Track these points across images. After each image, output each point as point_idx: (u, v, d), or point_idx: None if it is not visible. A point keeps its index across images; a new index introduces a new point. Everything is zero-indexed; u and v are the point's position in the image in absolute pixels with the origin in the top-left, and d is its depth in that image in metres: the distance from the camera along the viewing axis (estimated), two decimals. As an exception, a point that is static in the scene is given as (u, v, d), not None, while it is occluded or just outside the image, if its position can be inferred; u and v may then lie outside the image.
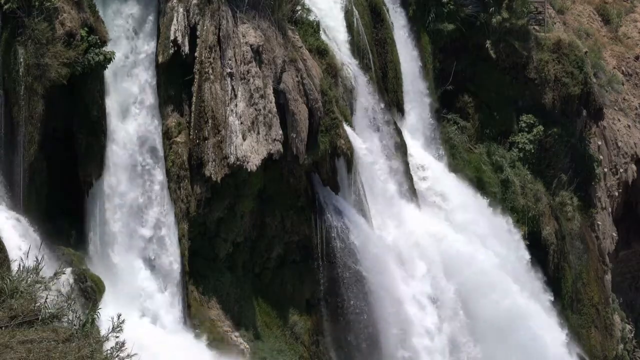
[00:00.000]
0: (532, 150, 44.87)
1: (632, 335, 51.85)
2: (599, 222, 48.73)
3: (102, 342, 12.73)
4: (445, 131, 43.11)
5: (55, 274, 13.42)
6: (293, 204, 33.58)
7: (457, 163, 42.45)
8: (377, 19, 39.49)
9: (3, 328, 12.79)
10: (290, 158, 32.13)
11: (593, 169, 47.87)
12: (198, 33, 30.26)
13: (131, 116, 29.40)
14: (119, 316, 12.80)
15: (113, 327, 12.49)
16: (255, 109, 30.89)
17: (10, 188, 26.38)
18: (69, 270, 25.80)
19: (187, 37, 30.01)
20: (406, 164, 38.63)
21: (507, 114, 45.23)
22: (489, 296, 38.73)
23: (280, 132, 31.29)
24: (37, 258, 14.02)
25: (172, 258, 29.68)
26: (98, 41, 27.28)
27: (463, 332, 37.34)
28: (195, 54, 30.23)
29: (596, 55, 50.48)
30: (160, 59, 29.57)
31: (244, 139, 30.48)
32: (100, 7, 28.54)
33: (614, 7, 57.04)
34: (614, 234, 50.40)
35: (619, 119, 52.22)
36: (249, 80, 30.96)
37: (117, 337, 12.66)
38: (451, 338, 36.93)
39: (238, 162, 30.20)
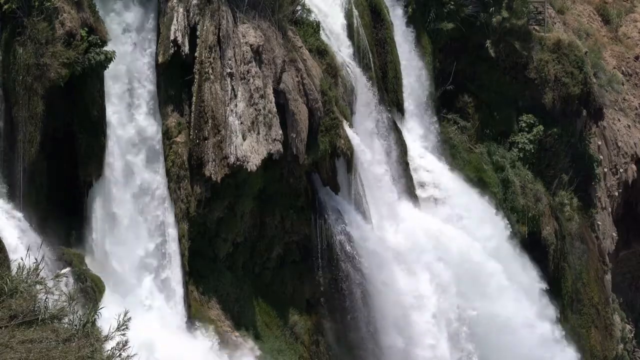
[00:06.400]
0: (532, 150, 44.87)
1: (632, 335, 51.87)
2: (599, 222, 48.73)
3: (103, 341, 12.72)
4: (445, 131, 43.10)
5: (56, 276, 13.41)
6: (293, 204, 33.57)
7: (457, 163, 42.45)
8: (377, 19, 39.47)
9: (3, 328, 12.77)
10: (290, 158, 32.12)
11: (593, 169, 47.87)
12: (198, 33, 30.25)
13: None
14: (125, 314, 12.75)
15: (119, 326, 12.46)
16: (255, 109, 30.88)
17: (10, 188, 26.38)
18: (69, 270, 25.80)
19: (187, 37, 30.00)
20: (406, 164, 38.63)
21: (507, 114, 45.22)
22: (487, 293, 38.74)
23: (280, 132, 31.28)
24: (36, 259, 13.99)
25: (172, 258, 29.66)
26: (98, 41, 27.26)
27: (463, 330, 37.32)
28: (195, 54, 30.21)
29: (596, 55, 50.47)
30: (160, 59, 29.55)
31: (244, 139, 30.48)
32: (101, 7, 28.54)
33: (614, 7, 57.05)
34: (614, 234, 50.40)
35: (619, 119, 52.22)
36: (249, 80, 30.95)
37: (123, 334, 12.62)
38: (451, 335, 36.93)
39: (238, 162, 30.19)
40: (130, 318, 12.60)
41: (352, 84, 36.35)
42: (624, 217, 52.31)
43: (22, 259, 14.14)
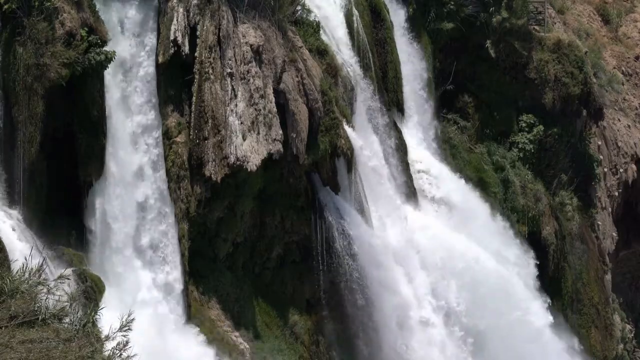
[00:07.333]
0: (532, 150, 44.87)
1: (632, 335, 51.86)
2: (599, 222, 48.73)
3: (103, 341, 12.71)
4: (445, 131, 43.09)
5: (59, 277, 13.41)
6: (293, 204, 33.57)
7: (457, 163, 42.44)
8: (377, 19, 39.47)
9: (3, 328, 12.77)
10: (290, 158, 32.12)
11: (593, 169, 47.87)
12: (198, 33, 30.24)
13: None
14: (129, 315, 12.75)
15: (121, 326, 12.45)
16: (255, 109, 30.87)
17: (10, 188, 26.38)
18: (69, 270, 25.80)
19: (187, 37, 29.99)
20: (406, 164, 38.62)
21: (507, 114, 45.23)
22: (487, 291, 38.72)
23: (280, 132, 31.28)
24: (44, 258, 13.97)
25: (172, 258, 29.65)
26: (98, 41, 27.26)
27: (462, 328, 37.31)
28: (195, 54, 30.21)
29: (596, 55, 50.46)
30: (160, 59, 29.54)
31: (244, 139, 30.47)
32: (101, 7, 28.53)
33: (614, 7, 57.04)
34: (614, 234, 50.40)
35: (619, 119, 52.22)
36: (249, 80, 30.94)
37: (125, 335, 12.63)
38: (451, 335, 36.92)
39: (238, 162, 30.19)
40: (133, 319, 12.60)
41: (352, 84, 36.35)
42: (624, 217, 52.31)
43: (25, 259, 14.14)
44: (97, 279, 27.00)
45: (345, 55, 36.95)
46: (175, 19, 29.74)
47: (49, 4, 26.26)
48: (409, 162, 39.01)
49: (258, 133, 30.83)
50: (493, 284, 38.96)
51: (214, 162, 30.09)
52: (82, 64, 26.79)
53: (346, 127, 34.56)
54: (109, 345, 12.82)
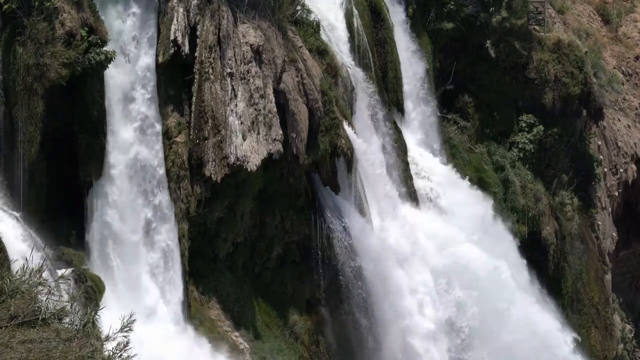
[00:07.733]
0: (532, 150, 44.88)
1: (632, 335, 51.87)
2: (599, 222, 48.74)
3: (104, 341, 12.71)
4: (445, 131, 43.10)
5: (60, 278, 13.42)
6: (293, 204, 33.57)
7: (457, 163, 42.44)
8: (377, 19, 39.48)
9: (3, 328, 12.77)
10: (290, 158, 32.12)
11: (593, 169, 47.88)
12: (198, 33, 30.24)
13: None
14: (130, 315, 12.76)
15: (122, 327, 12.46)
16: (255, 109, 30.88)
17: (10, 188, 26.38)
18: (69, 270, 25.81)
19: (187, 37, 29.99)
20: (406, 164, 38.62)
21: (507, 114, 45.24)
22: (488, 292, 38.68)
23: (280, 132, 31.28)
24: (45, 258, 13.97)
25: (172, 258, 29.65)
26: (98, 41, 27.26)
27: (463, 330, 37.30)
28: (195, 54, 30.21)
29: (596, 55, 50.47)
30: (160, 59, 29.54)
31: (244, 139, 30.47)
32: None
33: (614, 7, 57.04)
34: (614, 234, 50.40)
35: (619, 119, 52.23)
36: (249, 80, 30.95)
37: (126, 336, 12.63)
38: (451, 336, 36.92)
39: (238, 162, 30.19)
40: (135, 320, 12.61)
41: (352, 84, 36.35)
42: (624, 217, 52.32)
43: (27, 260, 14.14)
44: (97, 279, 27.02)
45: (345, 55, 36.95)
46: (175, 19, 29.74)
47: (49, 4, 26.26)
48: (409, 161, 39.02)
49: (258, 133, 30.84)
50: (493, 282, 38.81)
51: (214, 162, 30.09)
52: (82, 64, 26.80)
53: (346, 127, 34.57)
54: (109, 346, 12.83)
